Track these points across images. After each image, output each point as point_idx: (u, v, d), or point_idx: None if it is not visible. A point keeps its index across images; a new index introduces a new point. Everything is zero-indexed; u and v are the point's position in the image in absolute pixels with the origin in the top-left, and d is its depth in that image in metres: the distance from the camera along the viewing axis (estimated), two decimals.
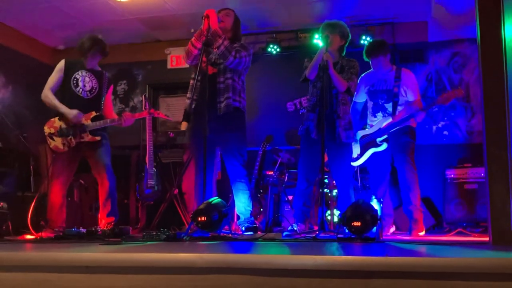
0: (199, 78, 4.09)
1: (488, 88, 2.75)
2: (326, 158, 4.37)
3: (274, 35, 6.84)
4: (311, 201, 4.52)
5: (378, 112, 4.72)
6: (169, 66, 7.30)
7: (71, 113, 4.47)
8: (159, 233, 3.26)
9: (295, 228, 4.16)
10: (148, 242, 3.07)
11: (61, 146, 4.49)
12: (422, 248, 2.54)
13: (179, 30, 6.92)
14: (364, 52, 4.75)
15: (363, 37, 6.39)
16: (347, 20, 6.38)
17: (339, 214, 4.74)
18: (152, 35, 7.21)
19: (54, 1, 6.02)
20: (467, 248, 2.65)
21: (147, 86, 7.42)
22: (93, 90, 4.64)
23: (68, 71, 4.61)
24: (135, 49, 7.38)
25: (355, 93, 4.74)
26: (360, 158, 4.80)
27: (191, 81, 4.33)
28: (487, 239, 2.81)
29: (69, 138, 4.47)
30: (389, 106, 4.64)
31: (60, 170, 4.52)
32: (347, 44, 4.42)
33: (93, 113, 4.55)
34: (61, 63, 4.65)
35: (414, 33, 6.26)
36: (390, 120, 4.60)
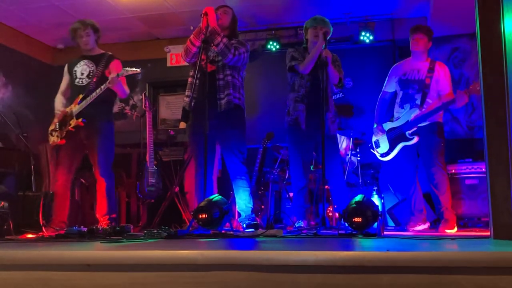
0: (198, 75, 4.08)
1: (488, 83, 2.73)
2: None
3: (273, 32, 6.83)
4: (311, 198, 4.52)
5: (406, 103, 4.55)
6: (168, 64, 7.31)
7: (56, 109, 4.67)
8: (160, 231, 3.25)
9: (301, 225, 4.16)
10: (149, 240, 3.07)
11: (56, 139, 4.56)
12: (423, 243, 2.54)
13: (178, 28, 6.92)
14: (410, 30, 4.62)
15: (363, 33, 6.39)
16: (346, 16, 6.38)
17: (334, 209, 4.75)
18: (151, 33, 7.20)
19: (54, 0, 6.02)
20: (468, 243, 2.65)
21: (146, 84, 7.43)
22: (91, 74, 4.61)
23: (71, 70, 4.69)
24: (135, 47, 7.38)
25: (385, 82, 4.77)
26: (390, 153, 4.65)
27: (190, 79, 4.33)
28: (488, 233, 2.80)
29: (62, 128, 4.55)
30: (418, 97, 4.48)
31: (63, 160, 4.58)
32: None
33: (80, 97, 4.54)
34: (65, 67, 4.78)
35: None
36: (417, 112, 4.44)
